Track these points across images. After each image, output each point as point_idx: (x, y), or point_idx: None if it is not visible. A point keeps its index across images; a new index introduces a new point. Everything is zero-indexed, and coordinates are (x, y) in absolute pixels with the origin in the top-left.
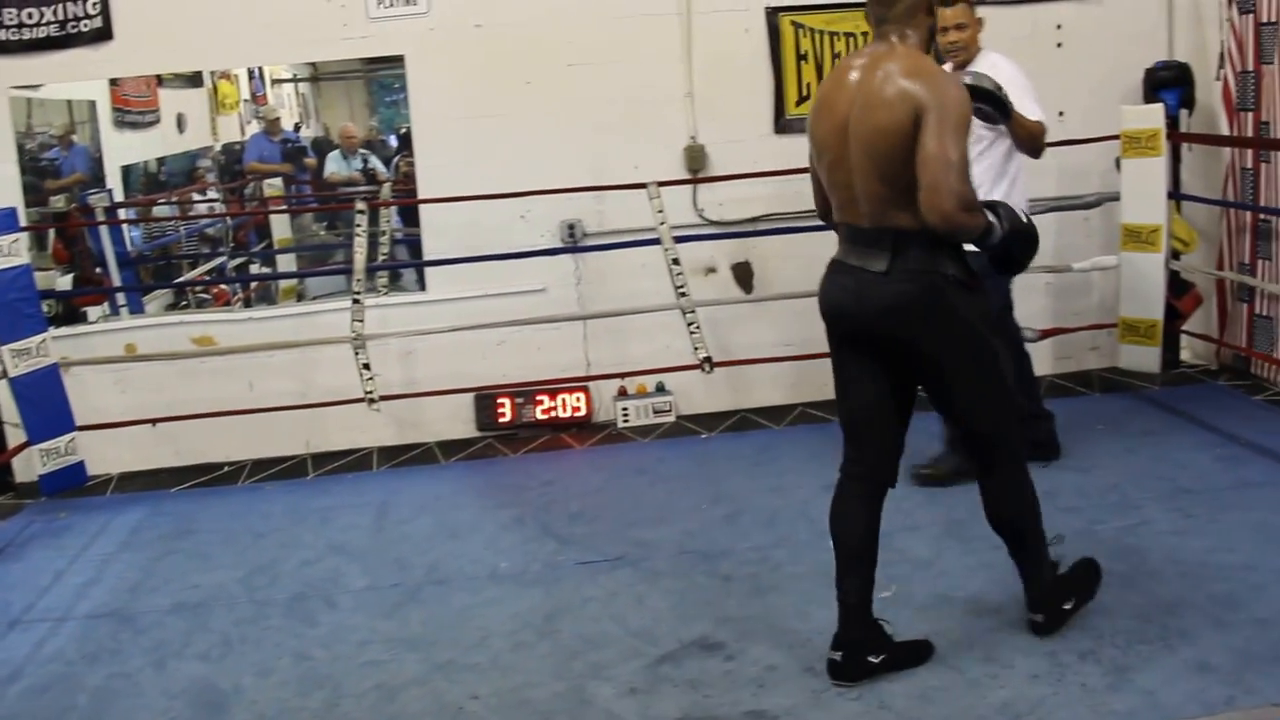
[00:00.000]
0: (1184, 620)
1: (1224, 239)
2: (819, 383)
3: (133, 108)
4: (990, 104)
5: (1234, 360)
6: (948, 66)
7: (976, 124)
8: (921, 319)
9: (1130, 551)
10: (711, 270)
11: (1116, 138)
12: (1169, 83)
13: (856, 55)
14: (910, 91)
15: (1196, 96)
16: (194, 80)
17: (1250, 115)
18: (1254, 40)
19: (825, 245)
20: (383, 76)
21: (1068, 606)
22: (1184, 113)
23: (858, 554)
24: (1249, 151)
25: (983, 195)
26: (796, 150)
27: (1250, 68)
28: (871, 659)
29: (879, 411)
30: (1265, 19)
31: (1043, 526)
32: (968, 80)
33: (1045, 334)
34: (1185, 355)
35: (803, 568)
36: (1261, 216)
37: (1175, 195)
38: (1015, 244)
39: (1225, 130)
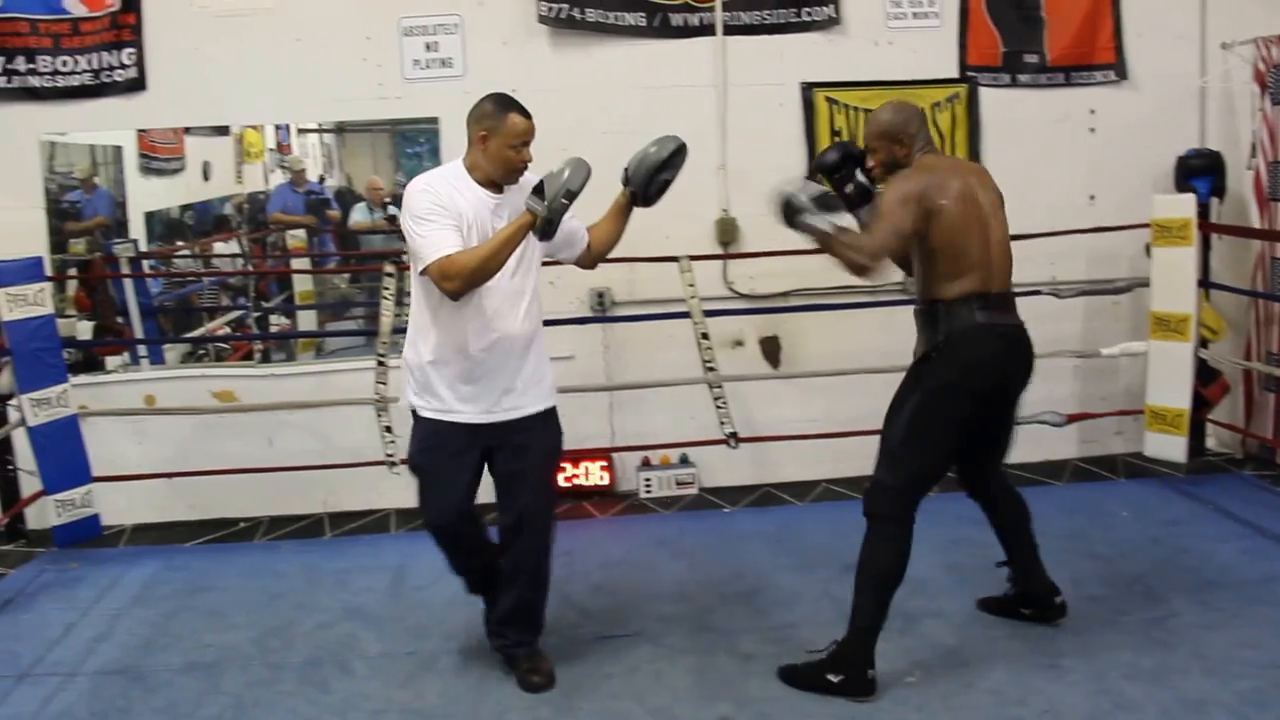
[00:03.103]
0: (1211, 719)
1: (1252, 328)
2: (844, 459)
3: (159, 154)
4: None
5: (1260, 450)
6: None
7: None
8: None
9: (1157, 644)
10: (739, 343)
11: (1147, 225)
12: (1201, 171)
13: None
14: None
15: (1227, 185)
16: (220, 128)
17: None
18: None
19: (853, 322)
20: (406, 130)
21: (832, 677)
22: (1214, 201)
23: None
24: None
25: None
26: None
27: None
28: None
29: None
30: None
31: (884, 593)
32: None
33: (1071, 418)
34: (1211, 443)
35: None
36: None
37: (1204, 284)
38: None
39: (1255, 219)
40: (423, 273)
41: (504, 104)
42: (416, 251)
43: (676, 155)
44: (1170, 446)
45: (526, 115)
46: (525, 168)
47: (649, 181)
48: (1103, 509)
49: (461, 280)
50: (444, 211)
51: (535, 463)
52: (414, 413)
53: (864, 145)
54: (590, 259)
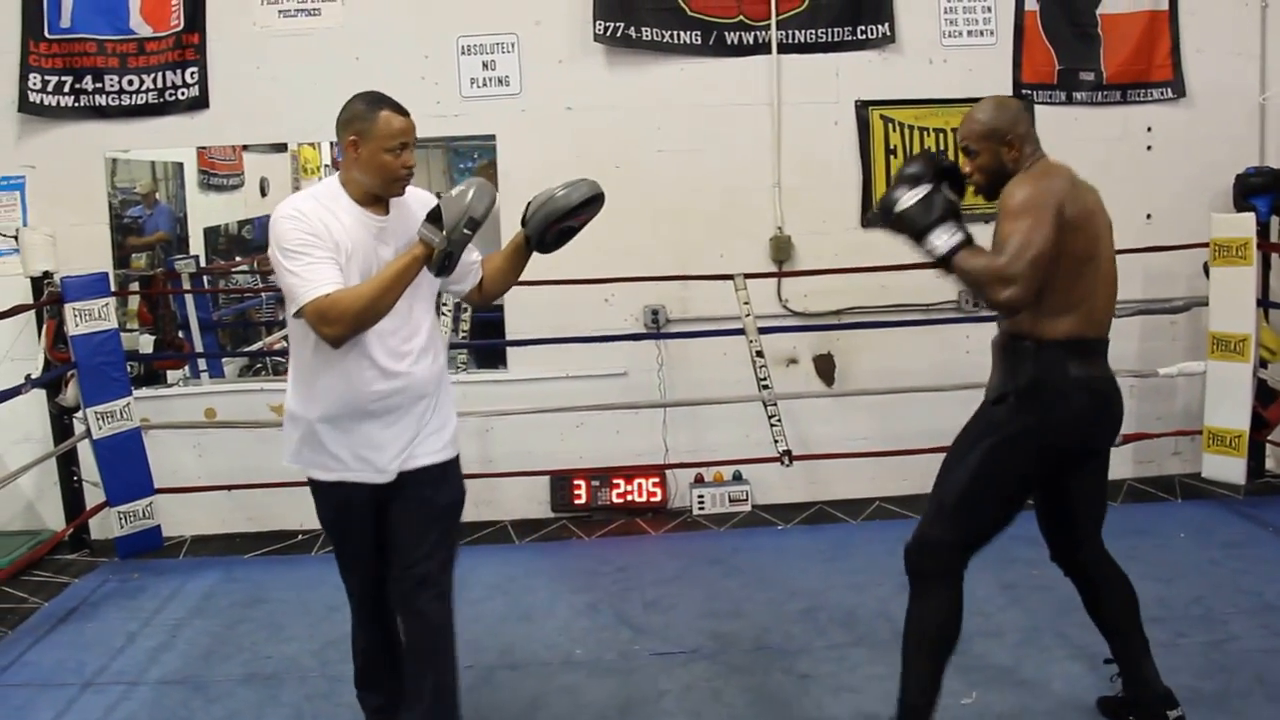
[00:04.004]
0: None
1: None
2: (897, 477)
3: (218, 171)
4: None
5: None
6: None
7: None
8: None
9: (1217, 669)
10: (793, 361)
11: (1205, 244)
12: (1260, 189)
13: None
14: None
15: None
16: (278, 145)
17: None
18: None
19: (907, 340)
20: (459, 145)
21: None
22: (1275, 219)
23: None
24: None
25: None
26: (882, 244)
27: None
28: None
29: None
30: None
31: (938, 660)
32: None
33: (1127, 438)
34: (1270, 464)
35: (882, 668)
36: None
37: (1264, 303)
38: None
39: None
40: (297, 315)
41: (374, 100)
42: (289, 291)
43: (588, 204)
44: (1229, 468)
45: (403, 112)
46: (408, 175)
47: (544, 229)
48: (1160, 530)
49: (344, 325)
50: (317, 242)
51: (433, 518)
52: (309, 478)
53: (962, 149)
54: (481, 298)
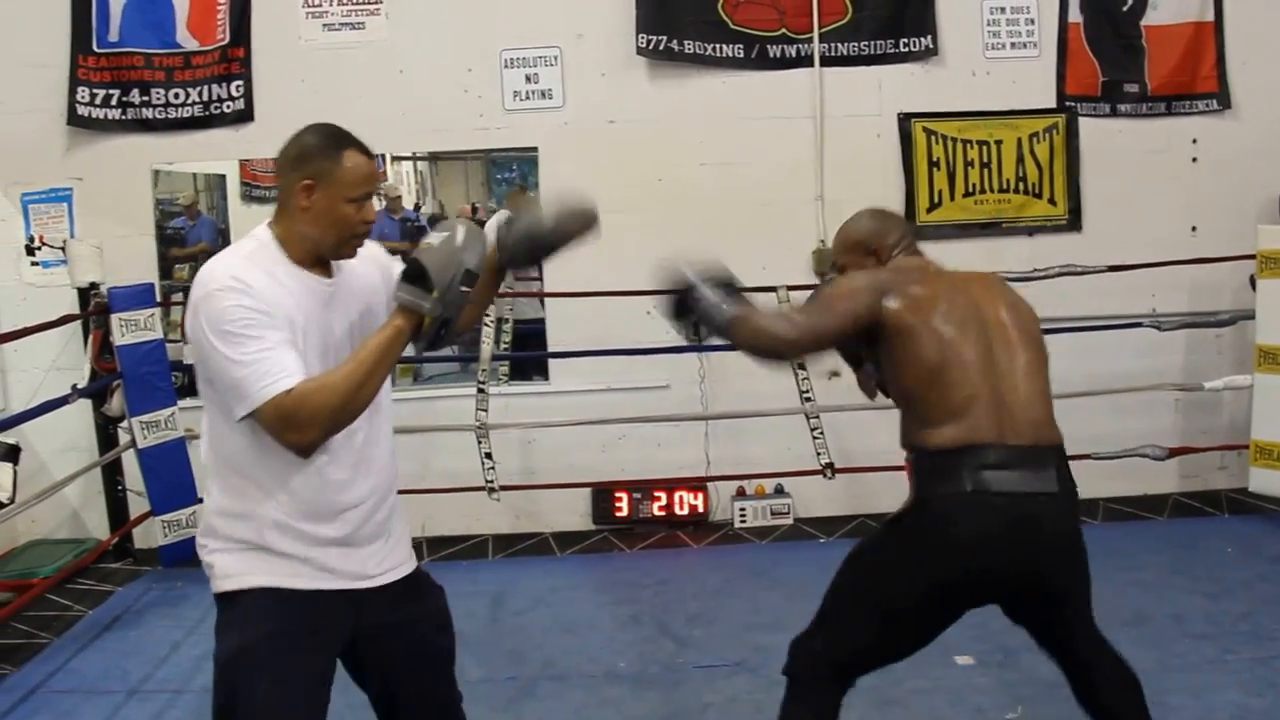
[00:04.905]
0: None
1: None
2: None
3: (260, 182)
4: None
5: None
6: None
7: None
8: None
9: (1266, 685)
10: (835, 374)
11: (1252, 256)
12: None
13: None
14: None
15: None
16: None
17: None
18: None
19: None
20: (498, 157)
21: None
22: None
23: None
24: None
25: None
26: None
27: None
28: None
29: None
30: None
31: None
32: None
33: (1172, 452)
34: None
35: (925, 683)
36: None
37: None
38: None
39: None
40: (246, 418)
41: (336, 137)
42: (233, 387)
43: (579, 234)
44: (1276, 482)
45: (370, 155)
46: (367, 233)
47: (527, 256)
48: (1206, 545)
49: (318, 428)
50: (269, 321)
51: (441, 645)
52: (224, 594)
53: (832, 262)
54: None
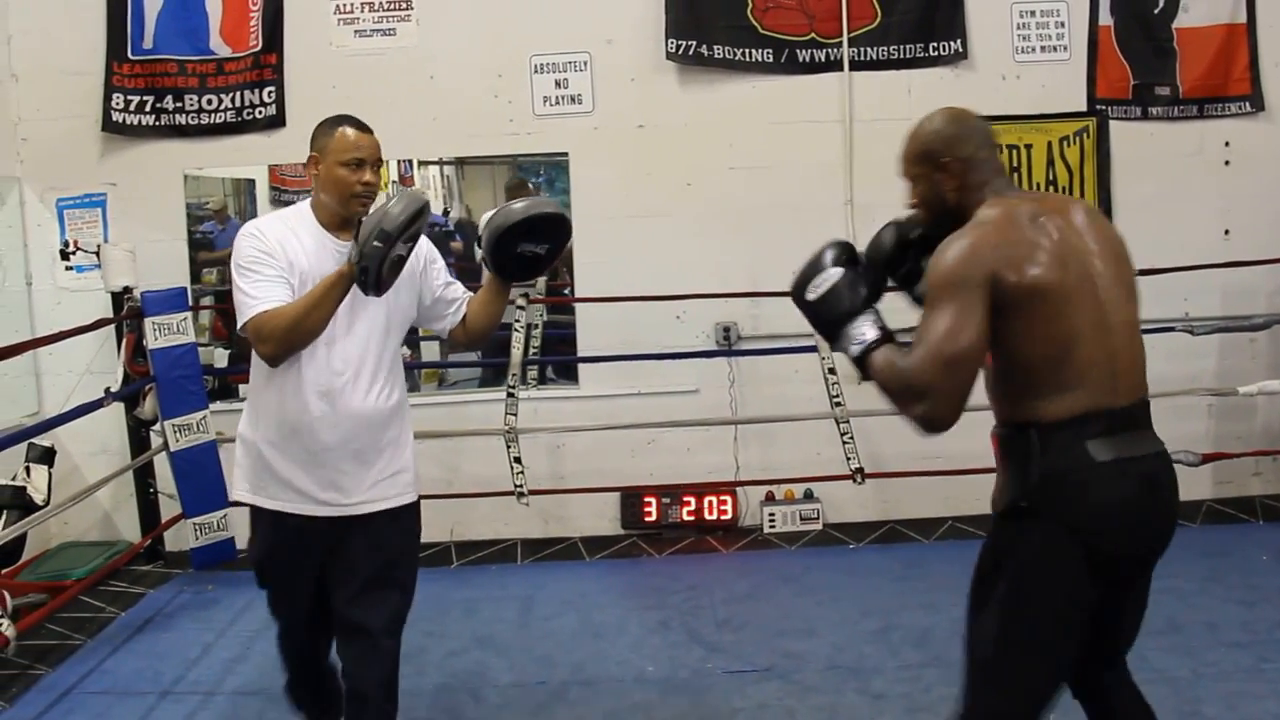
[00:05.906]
0: None
1: None
2: (970, 497)
3: (289, 187)
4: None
5: None
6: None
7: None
8: None
9: None
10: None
11: None
12: None
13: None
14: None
15: None
16: None
17: None
18: None
19: None
20: (525, 162)
21: None
22: None
23: None
24: None
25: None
26: None
27: None
28: None
29: None
30: None
31: None
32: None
33: (1206, 458)
34: None
35: (957, 690)
36: None
37: None
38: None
39: None
40: (241, 331)
41: (336, 119)
42: (237, 307)
43: (544, 225)
44: None
45: (364, 129)
46: (366, 192)
47: (495, 246)
48: (1241, 552)
49: (275, 343)
50: (269, 260)
51: (387, 565)
52: (251, 508)
53: (902, 172)
54: (466, 337)
